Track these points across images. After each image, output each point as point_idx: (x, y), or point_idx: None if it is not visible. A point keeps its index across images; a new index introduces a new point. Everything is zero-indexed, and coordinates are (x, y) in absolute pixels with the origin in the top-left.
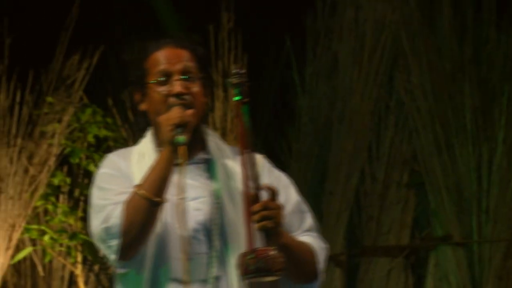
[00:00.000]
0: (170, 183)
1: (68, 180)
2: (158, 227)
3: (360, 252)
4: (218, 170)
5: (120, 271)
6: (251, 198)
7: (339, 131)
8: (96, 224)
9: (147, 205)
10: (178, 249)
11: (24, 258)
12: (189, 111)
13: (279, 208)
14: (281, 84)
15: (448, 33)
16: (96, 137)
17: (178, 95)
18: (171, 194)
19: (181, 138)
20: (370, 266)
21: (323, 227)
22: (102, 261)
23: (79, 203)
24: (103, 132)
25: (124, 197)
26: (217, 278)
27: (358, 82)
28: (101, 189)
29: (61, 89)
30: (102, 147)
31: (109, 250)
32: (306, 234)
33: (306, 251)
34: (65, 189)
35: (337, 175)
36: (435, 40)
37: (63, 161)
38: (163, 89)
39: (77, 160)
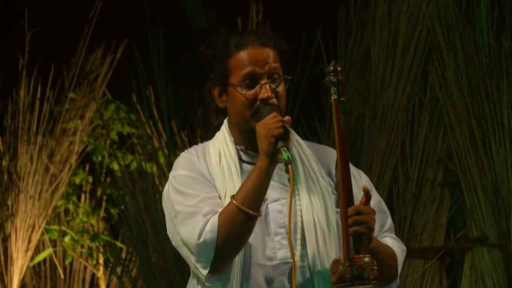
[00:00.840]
0: (265, 194)
1: (90, 179)
2: None
3: None
4: (298, 170)
5: (208, 284)
6: (343, 201)
7: (371, 127)
8: (190, 236)
9: (244, 218)
10: (262, 255)
11: (44, 260)
12: (286, 118)
13: (371, 212)
14: (311, 79)
15: (485, 26)
16: (119, 134)
17: (266, 100)
18: None
19: (287, 154)
20: (403, 268)
21: None
22: (124, 263)
23: (102, 203)
24: (127, 129)
25: (210, 203)
26: (301, 286)
27: (391, 77)
28: (182, 194)
29: (84, 84)
30: (126, 145)
31: (201, 265)
32: (386, 235)
33: (390, 255)
34: (87, 188)
35: (369, 174)
36: (472, 33)
37: (85, 159)
38: (249, 93)
39: (99, 158)
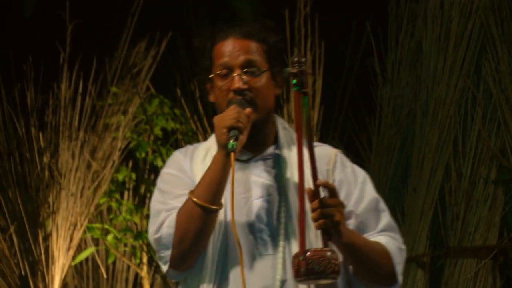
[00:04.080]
0: (224, 187)
1: (133, 175)
2: (222, 228)
3: (444, 253)
4: (286, 166)
5: (173, 281)
6: (310, 195)
7: (422, 123)
8: (150, 231)
9: (201, 212)
10: (244, 251)
11: (86, 259)
12: (247, 110)
13: (338, 205)
14: (361, 73)
15: None
16: (163, 129)
17: (236, 91)
18: (237, 193)
19: (232, 143)
20: (456, 268)
21: (405, 226)
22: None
23: (145, 200)
24: (171, 125)
25: (181, 200)
26: (283, 282)
27: (443, 71)
28: (160, 192)
29: (127, 78)
30: (170, 141)
31: (161, 260)
32: (382, 234)
33: (379, 253)
34: (130, 185)
35: (420, 171)
36: None
37: (128, 155)
38: (224, 84)
39: (143, 155)
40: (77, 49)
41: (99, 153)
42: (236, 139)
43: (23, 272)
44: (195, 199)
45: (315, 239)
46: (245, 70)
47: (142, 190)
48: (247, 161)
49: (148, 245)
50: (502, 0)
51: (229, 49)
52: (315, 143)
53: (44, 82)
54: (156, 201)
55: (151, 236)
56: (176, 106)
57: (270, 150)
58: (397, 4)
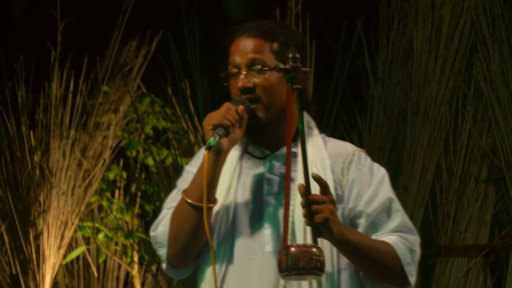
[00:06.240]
0: (215, 184)
1: (124, 174)
2: (229, 225)
3: (435, 251)
4: (301, 165)
5: (176, 278)
6: (301, 191)
7: (413, 122)
8: (151, 228)
9: (192, 211)
10: (249, 248)
11: (77, 258)
12: (239, 108)
13: (328, 202)
14: (351, 72)
15: None
16: (154, 128)
17: (241, 89)
18: (249, 190)
19: (211, 141)
20: (446, 266)
21: None
22: (159, 261)
23: (136, 199)
24: (162, 123)
25: None
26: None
27: (434, 70)
28: (176, 188)
29: (117, 77)
30: (161, 140)
31: (160, 258)
32: (392, 234)
33: (383, 252)
34: (121, 184)
35: (411, 170)
36: None
37: (119, 154)
38: (233, 82)
39: (134, 153)
40: (68, 48)
41: (90, 151)
42: (221, 136)
43: (14, 271)
44: (186, 198)
45: (320, 240)
46: (252, 68)
47: (133, 188)
48: (263, 159)
49: (139, 243)
50: None
51: (239, 47)
52: (336, 140)
53: (35, 81)
54: (169, 197)
55: (150, 233)
56: (167, 105)
57: (284, 148)
58: (388, 3)
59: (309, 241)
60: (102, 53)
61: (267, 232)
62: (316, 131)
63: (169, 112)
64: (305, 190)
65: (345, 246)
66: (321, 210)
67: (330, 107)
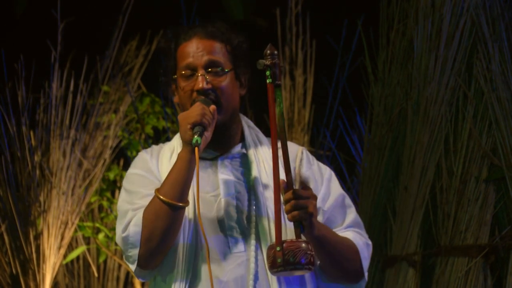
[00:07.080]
0: (190, 184)
1: (125, 174)
2: (192, 226)
3: (435, 251)
4: (253, 164)
5: (141, 280)
6: (283, 187)
7: (413, 122)
8: (117, 231)
9: (168, 210)
10: (214, 249)
11: (77, 258)
12: (211, 107)
13: (311, 197)
14: (352, 71)
15: None
16: (154, 128)
17: (200, 91)
18: (205, 191)
19: (196, 138)
20: (447, 266)
21: (396, 225)
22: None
23: None
24: (162, 123)
25: (149, 200)
26: (255, 280)
27: (434, 70)
28: (127, 192)
29: (118, 77)
30: (161, 139)
31: (129, 259)
32: (348, 230)
33: (348, 247)
34: (121, 184)
35: (411, 170)
36: None
37: (119, 154)
38: (187, 84)
39: (134, 153)
40: (68, 47)
41: (90, 151)
42: (201, 135)
43: (14, 271)
44: (161, 197)
45: (284, 236)
46: (208, 70)
47: None
48: (214, 160)
49: None
50: None
51: (193, 49)
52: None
53: (35, 81)
54: (123, 201)
55: (118, 235)
56: (167, 104)
57: (237, 148)
58: (388, 3)
59: (289, 237)
60: (102, 53)
61: (230, 233)
62: (258, 131)
63: (169, 112)
64: (288, 186)
65: (321, 241)
66: (307, 205)
67: (330, 107)
